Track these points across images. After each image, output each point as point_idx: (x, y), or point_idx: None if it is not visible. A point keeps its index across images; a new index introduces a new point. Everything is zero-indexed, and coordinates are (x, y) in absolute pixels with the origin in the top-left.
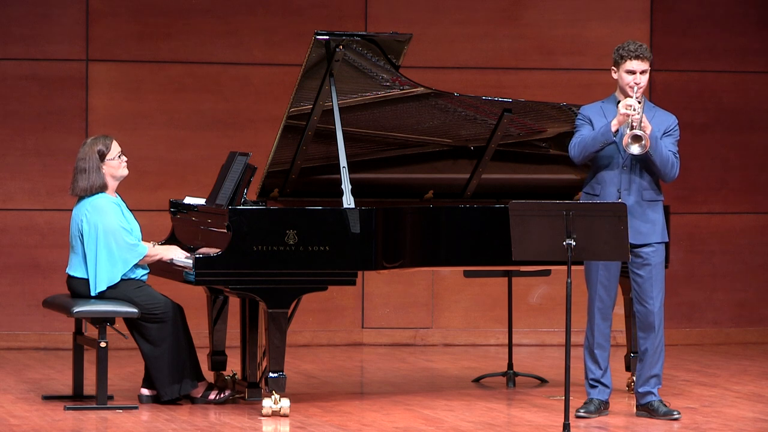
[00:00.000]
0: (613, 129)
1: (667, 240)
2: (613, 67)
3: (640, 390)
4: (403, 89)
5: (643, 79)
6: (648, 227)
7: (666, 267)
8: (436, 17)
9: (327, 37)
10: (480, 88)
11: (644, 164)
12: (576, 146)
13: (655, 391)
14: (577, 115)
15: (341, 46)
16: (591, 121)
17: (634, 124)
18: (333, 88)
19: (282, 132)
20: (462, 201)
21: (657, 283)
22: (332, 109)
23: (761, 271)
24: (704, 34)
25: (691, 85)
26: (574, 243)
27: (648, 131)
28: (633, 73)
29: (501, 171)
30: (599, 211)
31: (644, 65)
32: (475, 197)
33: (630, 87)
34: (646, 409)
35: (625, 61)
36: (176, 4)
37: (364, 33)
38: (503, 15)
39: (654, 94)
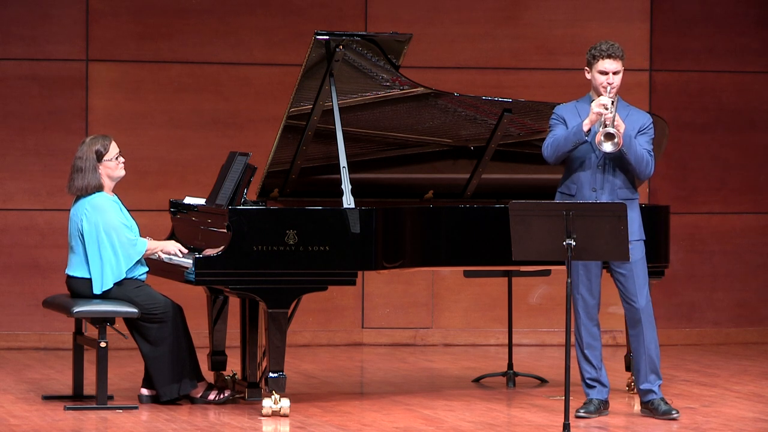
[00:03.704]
0: (585, 128)
1: (644, 238)
2: (586, 68)
3: (641, 387)
4: (403, 89)
5: (616, 79)
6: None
7: (666, 267)
8: (436, 17)
9: (327, 37)
10: (480, 88)
11: (619, 163)
12: (549, 146)
13: (655, 388)
14: None
15: (341, 46)
16: (565, 121)
17: (607, 122)
18: (333, 88)
19: (282, 132)
20: (462, 201)
21: (639, 279)
22: (332, 109)
23: (761, 271)
24: (704, 34)
25: (691, 85)
26: (574, 243)
27: (621, 129)
28: (605, 73)
29: (501, 171)
30: (599, 211)
31: (617, 65)
32: (475, 197)
33: (603, 87)
34: (648, 408)
35: (597, 60)
36: (176, 4)
37: (364, 33)
38: (503, 15)
39: (654, 94)
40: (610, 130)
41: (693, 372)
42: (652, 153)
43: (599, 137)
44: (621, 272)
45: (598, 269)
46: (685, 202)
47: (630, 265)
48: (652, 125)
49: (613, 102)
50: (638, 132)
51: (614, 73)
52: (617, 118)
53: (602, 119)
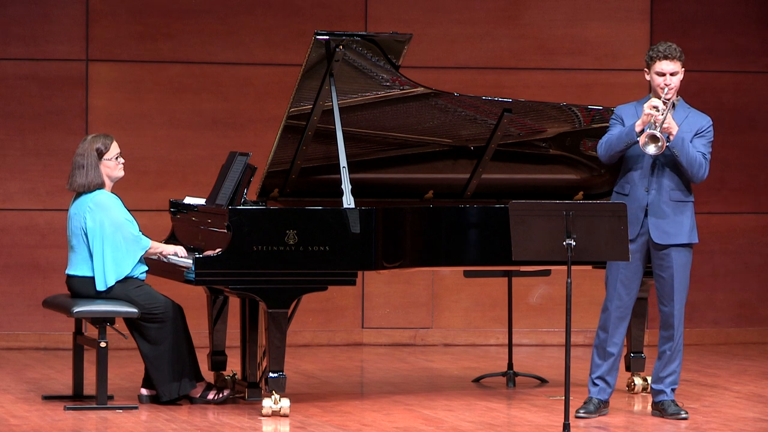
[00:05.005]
0: (637, 129)
1: (695, 241)
2: (645, 69)
3: (654, 387)
4: (403, 89)
5: (674, 80)
6: (674, 228)
7: None
8: (436, 17)
9: (327, 37)
10: (480, 88)
11: (672, 165)
12: (602, 145)
13: (668, 390)
14: (576, 115)
15: (341, 46)
16: (623, 121)
17: (657, 124)
18: (333, 88)
19: (282, 132)
20: (462, 201)
21: (678, 285)
22: (332, 109)
23: (761, 271)
24: (704, 34)
25: (691, 85)
26: (574, 243)
27: (673, 132)
28: (662, 74)
29: (501, 171)
30: (599, 211)
31: (674, 66)
32: (475, 197)
33: (660, 88)
34: (659, 408)
35: (655, 62)
36: (176, 4)
37: (364, 33)
38: (503, 15)
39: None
40: (655, 132)
41: (693, 372)
42: (707, 156)
43: (643, 139)
44: (660, 275)
45: (639, 270)
46: None
47: (671, 270)
48: (711, 128)
49: (665, 103)
50: (695, 134)
51: (671, 74)
52: (669, 119)
53: (652, 121)
